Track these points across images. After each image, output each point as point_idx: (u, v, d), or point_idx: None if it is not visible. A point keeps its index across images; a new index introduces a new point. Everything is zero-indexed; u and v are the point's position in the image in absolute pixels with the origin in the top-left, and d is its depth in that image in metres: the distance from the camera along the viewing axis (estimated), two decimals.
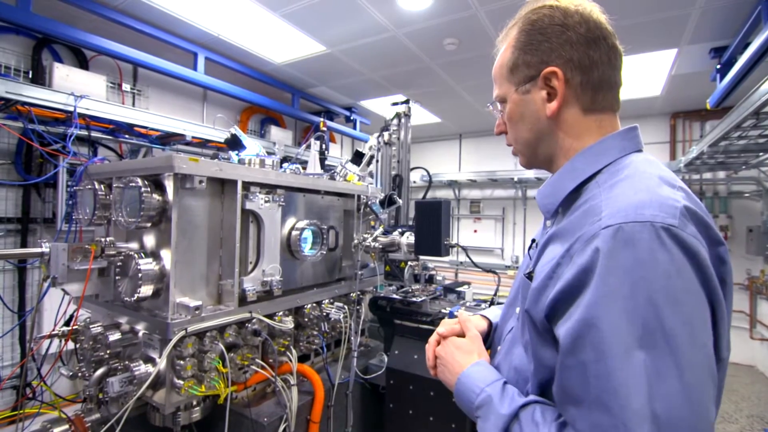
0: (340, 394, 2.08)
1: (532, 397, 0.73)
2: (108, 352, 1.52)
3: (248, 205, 1.68)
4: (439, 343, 0.97)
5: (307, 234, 2.04)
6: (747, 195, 5.43)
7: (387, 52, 3.88)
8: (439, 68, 4.28)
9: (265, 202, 1.75)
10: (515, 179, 6.81)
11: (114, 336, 1.53)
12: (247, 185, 1.69)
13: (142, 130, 3.35)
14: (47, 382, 1.84)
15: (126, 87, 3.83)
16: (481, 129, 7.35)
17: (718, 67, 3.60)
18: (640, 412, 0.54)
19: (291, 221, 2.00)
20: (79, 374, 1.65)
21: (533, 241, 0.88)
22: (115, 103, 3.19)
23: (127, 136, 3.34)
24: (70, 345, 1.68)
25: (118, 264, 1.53)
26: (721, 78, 3.59)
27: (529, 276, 0.76)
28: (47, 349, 1.87)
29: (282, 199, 1.83)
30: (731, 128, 2.96)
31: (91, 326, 1.57)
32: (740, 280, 5.45)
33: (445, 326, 0.99)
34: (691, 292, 0.58)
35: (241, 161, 1.97)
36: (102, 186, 1.67)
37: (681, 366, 0.55)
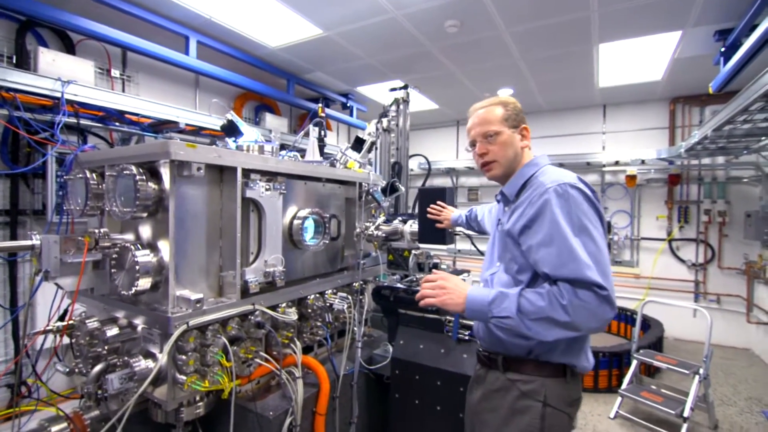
0: (345, 385, 2.05)
1: (522, 287, 1.28)
2: (106, 347, 1.46)
3: (249, 194, 1.61)
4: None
5: (309, 223, 1.98)
6: (745, 180, 5.42)
7: (386, 34, 3.76)
8: (439, 52, 4.17)
9: (266, 190, 1.68)
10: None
11: (112, 331, 1.47)
12: (247, 173, 1.62)
13: (134, 118, 3.23)
14: (43, 378, 1.78)
15: (115, 72, 3.69)
16: None
17: (723, 50, 3.54)
18: (587, 259, 1.16)
19: (292, 210, 1.94)
20: (76, 370, 1.59)
21: (499, 220, 1.52)
22: (104, 89, 3.07)
23: (117, 123, 3.22)
24: (65, 340, 1.62)
25: (114, 256, 1.46)
26: (725, 61, 3.52)
27: (506, 229, 1.40)
28: (42, 345, 1.81)
29: (283, 187, 1.76)
30: (738, 112, 2.91)
31: (87, 321, 1.51)
32: (738, 264, 5.49)
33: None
34: (590, 210, 1.24)
35: (239, 148, 1.90)
36: (93, 175, 1.59)
37: (593, 239, 1.20)
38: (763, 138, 3.89)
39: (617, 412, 3.45)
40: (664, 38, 3.77)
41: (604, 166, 6.21)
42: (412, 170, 6.00)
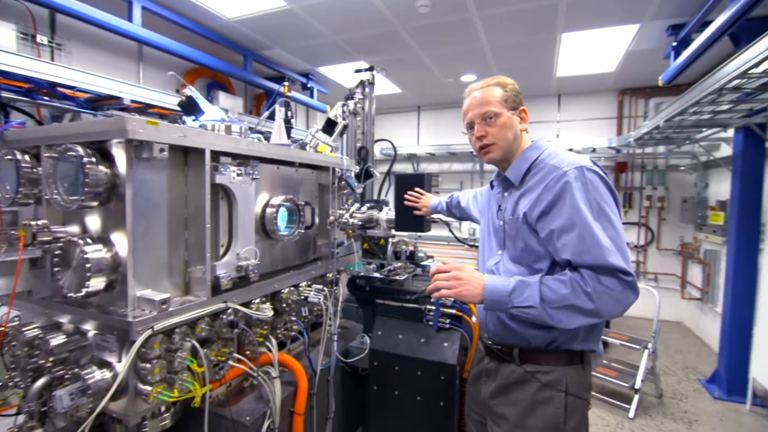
0: (321, 381, 1.96)
1: (541, 275, 1.24)
2: (51, 359, 1.25)
3: (218, 179, 1.44)
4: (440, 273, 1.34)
5: (283, 211, 1.83)
6: (683, 168, 5.88)
7: (354, 11, 3.57)
8: (407, 33, 4.05)
9: (238, 175, 1.52)
10: (474, 153, 6.84)
11: (56, 340, 1.26)
12: (216, 155, 1.44)
13: (68, 92, 2.83)
14: None
15: (42, 39, 3.21)
16: (439, 101, 7.25)
17: (674, 44, 3.73)
18: (609, 244, 1.14)
19: (264, 197, 1.78)
20: (11, 384, 1.36)
21: (499, 206, 1.47)
22: (32, 57, 2.65)
23: (47, 98, 2.81)
24: None
25: (57, 252, 1.24)
26: (676, 56, 3.73)
27: (519, 216, 1.33)
28: None
29: (256, 172, 1.60)
30: (691, 104, 3.09)
31: (24, 329, 1.29)
32: (674, 246, 5.98)
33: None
34: (607, 193, 1.22)
35: (202, 127, 1.69)
36: (26, 156, 1.34)
37: (613, 224, 1.18)
38: (704, 129, 4.20)
39: None
40: (623, 30, 3.91)
41: None
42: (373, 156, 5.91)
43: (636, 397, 3.31)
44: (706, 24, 3.06)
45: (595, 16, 3.61)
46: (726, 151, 4.66)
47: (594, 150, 6.03)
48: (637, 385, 3.28)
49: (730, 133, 4.12)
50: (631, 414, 3.27)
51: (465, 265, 1.32)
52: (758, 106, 3.29)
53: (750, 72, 2.44)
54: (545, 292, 1.18)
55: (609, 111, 6.40)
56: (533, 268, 1.30)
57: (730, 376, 3.66)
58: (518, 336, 1.33)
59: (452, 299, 1.92)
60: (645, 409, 3.44)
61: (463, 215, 2.09)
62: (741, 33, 3.07)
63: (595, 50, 4.51)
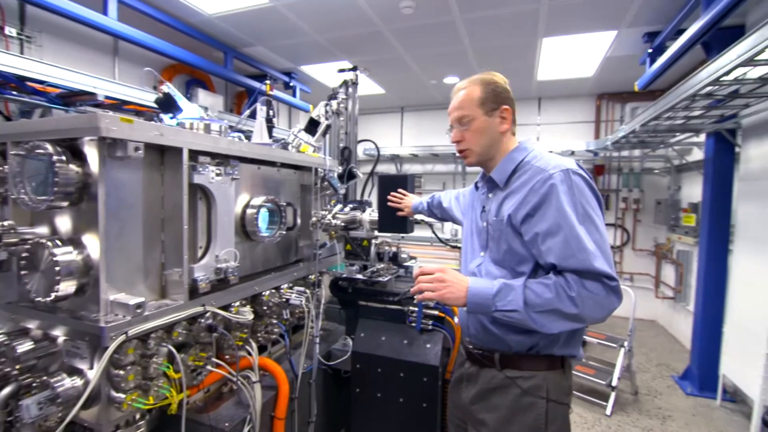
0: (303, 384, 1.93)
1: (524, 278, 1.24)
2: (17, 366, 1.19)
3: (196, 179, 1.40)
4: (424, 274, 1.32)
5: (264, 212, 1.80)
6: (657, 171, 6.07)
7: (338, 10, 3.55)
8: (391, 34, 4.05)
9: (217, 174, 1.48)
10: (456, 154, 6.89)
11: (24, 346, 1.20)
12: (194, 155, 1.40)
13: (38, 86, 2.71)
14: None
15: (10, 31, 3.08)
16: (423, 103, 7.29)
17: (650, 51, 3.85)
18: (594, 249, 1.14)
19: (244, 198, 1.74)
20: None
21: (483, 207, 1.45)
22: (0, 50, 2.53)
23: (16, 92, 2.69)
24: None
25: (24, 255, 1.19)
26: (651, 62, 3.85)
27: (503, 218, 1.31)
28: None
29: (236, 172, 1.56)
30: (666, 109, 3.19)
31: None
32: (648, 246, 6.16)
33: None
34: (592, 197, 1.22)
35: (180, 125, 1.65)
36: None
37: (597, 227, 1.18)
38: (678, 134, 4.34)
39: None
40: (601, 37, 4.01)
41: None
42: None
43: (613, 395, 3.39)
44: (681, 32, 3.16)
45: (574, 21, 3.69)
46: (698, 155, 4.84)
47: (573, 153, 6.16)
48: (614, 383, 3.36)
49: (702, 137, 4.27)
50: (608, 411, 3.35)
51: (449, 267, 1.30)
52: (728, 112, 3.43)
53: (721, 80, 2.53)
54: (529, 295, 1.16)
55: (587, 115, 6.56)
56: (516, 270, 1.29)
57: (702, 373, 3.79)
58: (499, 341, 1.32)
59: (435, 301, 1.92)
60: (621, 405, 3.52)
61: (444, 216, 2.09)
62: (713, 42, 3.19)
63: (575, 55, 4.61)
